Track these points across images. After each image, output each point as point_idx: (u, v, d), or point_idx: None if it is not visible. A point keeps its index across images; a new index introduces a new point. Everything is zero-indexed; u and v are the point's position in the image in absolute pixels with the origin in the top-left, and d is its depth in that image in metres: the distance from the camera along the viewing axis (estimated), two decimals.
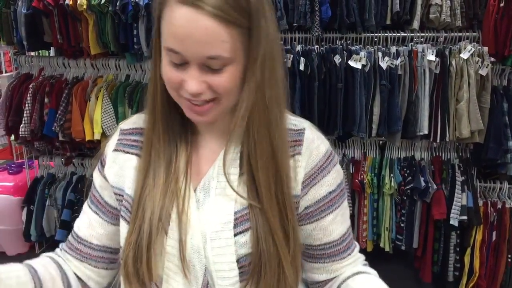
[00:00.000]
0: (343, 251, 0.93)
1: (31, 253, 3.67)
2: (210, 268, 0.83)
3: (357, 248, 0.98)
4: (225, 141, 0.87)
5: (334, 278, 0.94)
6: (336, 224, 0.92)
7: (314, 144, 0.90)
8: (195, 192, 0.87)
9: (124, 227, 0.89)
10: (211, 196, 0.86)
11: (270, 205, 0.83)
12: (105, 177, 0.94)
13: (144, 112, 0.91)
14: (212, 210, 0.85)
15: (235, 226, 0.83)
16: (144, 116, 0.92)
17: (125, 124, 0.98)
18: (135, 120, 0.97)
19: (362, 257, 0.98)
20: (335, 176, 0.91)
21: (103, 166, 0.95)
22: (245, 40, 0.76)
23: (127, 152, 0.93)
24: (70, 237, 0.98)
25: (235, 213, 0.84)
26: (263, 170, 0.83)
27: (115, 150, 0.94)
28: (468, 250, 2.91)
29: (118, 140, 0.95)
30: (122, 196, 0.91)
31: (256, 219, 0.83)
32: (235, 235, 0.83)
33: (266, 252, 0.82)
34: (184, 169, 0.87)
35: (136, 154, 0.91)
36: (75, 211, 3.40)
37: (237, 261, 0.83)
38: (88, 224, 0.95)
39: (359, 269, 0.93)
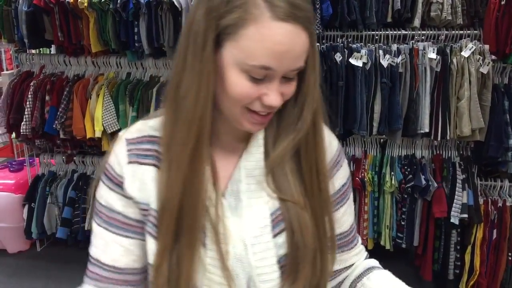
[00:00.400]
0: (351, 241, 0.98)
1: (32, 251, 3.69)
2: (252, 273, 0.82)
3: (359, 238, 1.02)
4: (241, 141, 0.87)
5: (344, 268, 0.97)
6: (347, 215, 0.95)
7: (327, 140, 0.91)
8: (224, 197, 0.84)
9: (151, 243, 0.83)
10: (243, 200, 0.84)
11: (302, 200, 0.84)
12: (127, 196, 0.85)
13: (149, 118, 0.89)
14: (248, 215, 0.83)
15: (272, 228, 0.83)
16: (151, 122, 0.88)
17: (129, 133, 0.88)
18: (140, 128, 0.89)
19: (363, 249, 1.02)
20: (346, 169, 0.95)
21: (119, 185, 0.85)
22: (309, 44, 0.77)
23: (143, 163, 0.85)
24: (108, 273, 0.87)
25: (271, 214, 0.84)
26: (308, 167, 0.84)
27: (130, 162, 0.85)
28: (469, 248, 2.91)
29: (128, 151, 0.86)
30: (147, 210, 0.84)
31: (290, 217, 0.83)
32: (273, 237, 0.83)
33: (303, 248, 0.82)
34: (211, 178, 0.83)
35: (154, 165, 0.84)
36: (76, 208, 3.41)
37: (277, 261, 0.83)
38: (125, 251, 0.86)
39: (369, 263, 0.99)
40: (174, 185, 0.80)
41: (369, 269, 0.96)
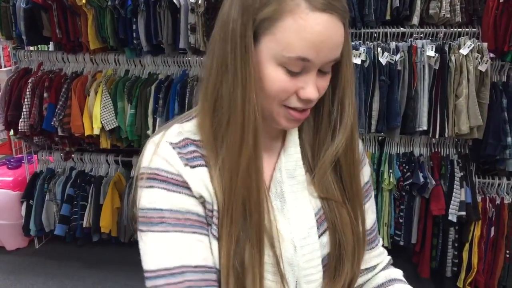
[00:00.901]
0: (372, 241, 0.97)
1: (31, 248, 3.69)
2: (300, 274, 0.82)
3: (381, 241, 1.02)
4: (276, 141, 0.87)
5: (365, 269, 0.96)
6: (369, 213, 0.94)
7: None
8: (269, 199, 0.82)
9: (215, 245, 0.79)
10: (288, 201, 0.83)
11: (341, 197, 0.85)
12: (194, 196, 0.79)
13: (182, 120, 0.86)
14: (294, 216, 0.83)
15: (317, 228, 0.84)
16: (187, 126, 0.84)
17: (171, 137, 0.82)
18: (179, 131, 0.83)
19: (385, 252, 1.01)
20: (368, 169, 0.96)
21: (182, 186, 0.78)
22: (344, 36, 0.78)
23: (194, 166, 0.79)
24: (206, 275, 0.78)
25: (315, 214, 0.84)
26: (347, 166, 0.85)
27: (186, 165, 0.79)
28: (467, 246, 2.92)
29: (178, 153, 0.79)
30: (212, 212, 0.80)
31: (331, 215, 0.84)
32: (319, 237, 0.83)
33: (342, 245, 0.84)
34: (258, 179, 0.80)
35: (204, 165, 0.80)
36: (74, 206, 3.41)
37: (321, 261, 0.84)
38: (208, 249, 0.80)
39: (391, 274, 0.97)
40: (237, 189, 0.77)
41: (391, 281, 0.94)
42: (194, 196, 0.79)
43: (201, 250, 0.77)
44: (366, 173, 0.94)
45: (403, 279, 0.96)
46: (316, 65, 0.73)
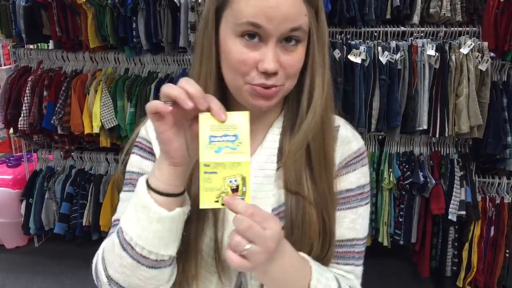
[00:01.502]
0: (335, 256, 0.87)
1: (30, 246, 3.69)
2: None
3: (355, 268, 0.90)
4: (260, 135, 0.88)
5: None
6: (339, 224, 0.87)
7: (347, 140, 0.90)
8: None
9: None
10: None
11: (310, 197, 0.83)
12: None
13: None
14: None
15: None
16: None
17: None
18: None
19: (353, 280, 0.89)
20: (359, 177, 0.89)
21: (152, 153, 0.91)
22: (314, 21, 0.79)
23: None
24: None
25: (272, 210, 0.84)
26: (316, 155, 0.84)
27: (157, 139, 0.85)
28: (466, 245, 2.92)
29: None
30: None
31: (292, 214, 0.82)
32: None
33: (299, 244, 0.82)
34: None
35: None
36: (74, 204, 3.41)
37: None
38: None
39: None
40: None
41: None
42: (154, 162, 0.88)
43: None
44: (351, 179, 0.89)
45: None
46: (271, 33, 0.74)
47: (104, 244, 0.82)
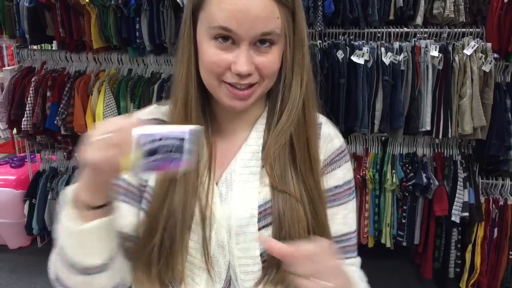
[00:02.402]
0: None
1: (33, 247, 3.69)
2: (234, 263, 0.83)
3: (355, 260, 0.93)
4: (244, 133, 0.89)
5: None
6: (333, 221, 0.89)
7: (329, 137, 0.92)
8: (217, 185, 0.85)
9: (143, 218, 0.86)
10: (234, 189, 0.85)
11: (299, 193, 0.84)
12: None
13: (162, 104, 0.93)
14: (236, 204, 0.84)
15: (259, 220, 0.83)
16: (163, 108, 0.92)
17: (141, 114, 0.94)
18: (152, 111, 0.94)
19: (358, 271, 0.92)
20: (345, 173, 0.92)
21: None
22: (290, 22, 0.79)
23: None
24: None
25: (259, 206, 0.84)
26: (300, 152, 0.85)
27: None
28: (470, 247, 2.91)
29: None
30: (145, 187, 0.88)
31: (279, 210, 0.83)
32: (259, 229, 0.83)
33: (287, 241, 0.81)
34: (207, 164, 0.86)
35: None
36: None
37: (260, 255, 0.83)
38: (122, 216, 0.86)
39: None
40: None
41: None
42: None
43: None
44: (338, 176, 0.91)
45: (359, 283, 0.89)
46: (243, 37, 0.75)
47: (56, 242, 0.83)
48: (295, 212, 0.82)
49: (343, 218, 0.91)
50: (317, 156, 0.88)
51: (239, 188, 0.85)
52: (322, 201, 0.86)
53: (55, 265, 0.80)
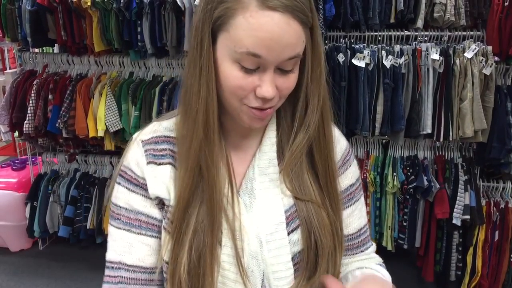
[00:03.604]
0: (357, 246, 0.96)
1: (34, 249, 3.69)
2: (267, 270, 0.82)
3: (373, 247, 1.00)
4: (254, 140, 0.89)
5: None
6: (353, 217, 0.94)
7: (337, 140, 0.94)
8: (238, 195, 0.85)
9: (166, 239, 0.84)
10: (258, 197, 0.85)
11: (319, 198, 0.86)
12: (149, 197, 0.86)
13: (162, 119, 0.92)
14: (262, 212, 0.84)
15: (287, 225, 0.84)
16: (165, 124, 0.90)
17: (144, 135, 0.90)
18: (154, 129, 0.90)
19: (376, 257, 0.99)
20: (354, 170, 0.96)
21: (141, 187, 0.86)
22: (309, 38, 0.78)
23: (160, 164, 0.86)
24: (134, 274, 0.86)
25: (285, 211, 0.84)
26: (321, 165, 0.86)
27: (149, 163, 0.86)
28: (471, 250, 2.91)
29: (145, 151, 0.87)
30: (168, 207, 0.85)
31: (304, 214, 0.84)
32: (288, 234, 0.83)
33: (318, 245, 0.83)
34: (227, 176, 0.84)
35: (170, 164, 0.86)
36: (78, 207, 3.41)
37: (292, 259, 0.84)
38: (150, 250, 0.86)
39: (366, 265, 0.95)
40: (185, 181, 0.81)
41: (362, 268, 0.94)
42: (150, 198, 0.86)
43: (139, 250, 0.86)
44: (350, 175, 0.94)
45: (380, 270, 0.94)
46: (270, 62, 0.74)
47: None
48: (320, 216, 0.84)
49: (359, 212, 0.96)
50: (335, 165, 0.90)
51: (262, 196, 0.85)
52: (339, 205, 0.89)
53: None
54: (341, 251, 0.87)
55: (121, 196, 0.87)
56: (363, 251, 0.97)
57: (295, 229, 0.84)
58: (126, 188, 0.87)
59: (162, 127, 0.90)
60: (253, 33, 0.71)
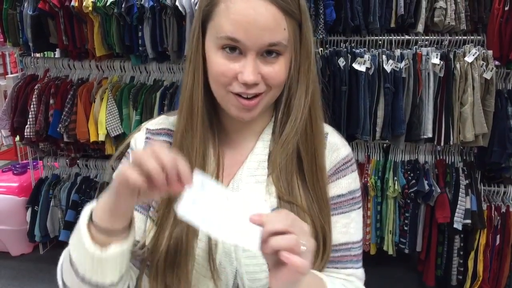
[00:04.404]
0: (332, 261, 0.87)
1: (35, 254, 3.69)
2: (241, 270, 0.82)
3: (355, 271, 0.90)
4: (251, 143, 0.90)
5: None
6: (333, 229, 0.88)
7: (336, 147, 0.92)
8: None
9: (150, 226, 0.87)
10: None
11: (306, 203, 0.84)
12: None
13: (171, 114, 0.94)
14: None
15: None
16: (172, 118, 0.93)
17: (151, 125, 0.96)
18: (161, 121, 0.96)
19: (356, 282, 0.89)
20: (349, 182, 0.91)
21: None
22: (296, 33, 0.80)
23: None
24: None
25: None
26: (307, 161, 0.86)
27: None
28: (472, 254, 2.91)
29: (146, 139, 0.93)
30: None
31: None
32: None
33: None
34: (215, 173, 0.86)
35: None
36: (79, 212, 3.39)
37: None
38: (137, 224, 0.88)
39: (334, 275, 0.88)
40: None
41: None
42: None
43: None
44: (342, 185, 0.90)
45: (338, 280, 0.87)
46: (250, 47, 0.76)
47: (65, 250, 0.82)
48: (303, 220, 0.82)
49: (343, 227, 0.89)
50: (324, 166, 0.88)
51: (245, 197, 0.85)
52: (328, 211, 0.87)
53: (64, 274, 0.80)
54: (325, 257, 0.85)
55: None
56: (337, 268, 0.88)
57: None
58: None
59: (168, 121, 0.95)
60: (231, 17, 0.75)
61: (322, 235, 0.85)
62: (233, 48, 0.77)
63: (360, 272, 0.91)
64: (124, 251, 0.75)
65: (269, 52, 0.78)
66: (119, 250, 0.74)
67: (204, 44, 0.82)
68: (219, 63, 0.78)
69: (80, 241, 0.73)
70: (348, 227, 0.90)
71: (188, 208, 0.66)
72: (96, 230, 0.73)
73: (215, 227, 0.66)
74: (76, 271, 0.76)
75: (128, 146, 0.95)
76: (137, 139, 0.94)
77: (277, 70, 0.79)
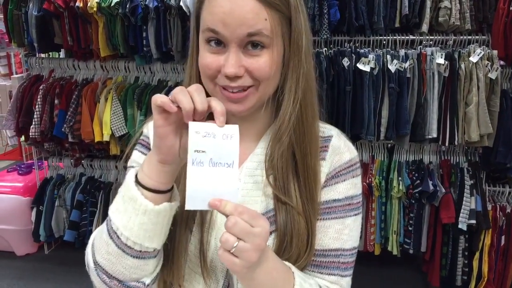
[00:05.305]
0: (319, 265, 0.87)
1: (40, 253, 3.71)
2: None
3: (340, 279, 0.87)
4: (254, 143, 0.90)
5: None
6: (324, 233, 0.87)
7: (338, 151, 0.91)
8: None
9: None
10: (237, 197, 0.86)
11: (298, 207, 0.84)
12: None
13: None
14: None
15: None
16: None
17: None
18: None
19: None
20: (348, 188, 0.89)
21: (149, 148, 0.93)
22: (286, 28, 0.80)
23: None
24: None
25: (263, 214, 0.84)
26: (300, 157, 0.85)
27: None
28: (477, 254, 2.90)
29: None
30: None
31: (283, 220, 0.83)
32: None
33: (288, 253, 0.82)
34: None
35: None
36: (84, 211, 3.42)
37: None
38: None
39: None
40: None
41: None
42: None
43: None
44: (340, 190, 0.88)
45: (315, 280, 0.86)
46: (229, 39, 0.77)
47: (96, 230, 0.84)
48: (296, 224, 0.83)
49: (336, 232, 0.87)
50: (316, 168, 0.87)
51: (243, 196, 0.86)
52: (315, 215, 0.86)
53: (97, 252, 0.80)
54: (308, 257, 0.85)
55: (134, 158, 0.95)
56: (322, 273, 0.86)
57: (269, 233, 0.82)
58: (141, 152, 0.95)
59: None
60: (210, 10, 0.77)
61: (311, 237, 0.85)
62: (219, 42, 0.78)
63: (346, 282, 0.89)
64: (173, 209, 0.76)
65: (254, 45, 0.78)
66: (169, 206, 0.75)
67: (198, 39, 0.84)
68: (204, 56, 0.80)
69: (131, 199, 0.74)
70: (341, 233, 0.87)
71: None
72: (144, 190, 0.74)
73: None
74: (118, 240, 0.76)
75: (141, 134, 0.98)
76: (150, 127, 0.95)
77: (261, 62, 0.78)
